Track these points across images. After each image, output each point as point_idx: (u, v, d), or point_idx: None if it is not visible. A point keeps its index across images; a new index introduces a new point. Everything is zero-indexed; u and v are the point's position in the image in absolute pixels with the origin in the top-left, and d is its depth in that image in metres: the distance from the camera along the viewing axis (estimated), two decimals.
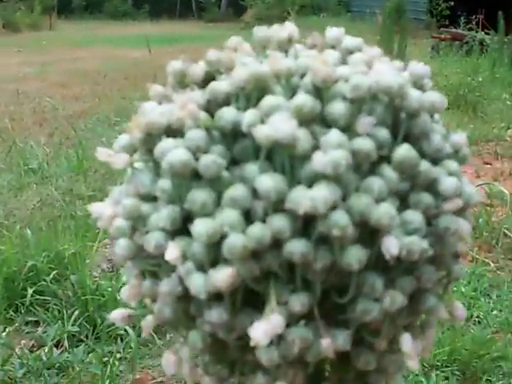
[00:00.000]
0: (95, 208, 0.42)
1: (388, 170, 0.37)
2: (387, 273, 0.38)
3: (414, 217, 0.37)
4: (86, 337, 2.57)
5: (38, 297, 2.77)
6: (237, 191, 0.37)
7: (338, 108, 0.37)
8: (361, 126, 0.37)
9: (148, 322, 0.41)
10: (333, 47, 0.42)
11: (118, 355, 2.36)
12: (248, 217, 0.37)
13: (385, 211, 0.36)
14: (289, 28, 0.41)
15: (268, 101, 0.37)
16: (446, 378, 2.13)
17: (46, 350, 2.30)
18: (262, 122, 0.37)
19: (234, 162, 0.39)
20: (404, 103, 0.38)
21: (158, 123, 0.39)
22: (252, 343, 0.36)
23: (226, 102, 0.39)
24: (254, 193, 0.36)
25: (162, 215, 0.38)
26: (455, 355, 2.19)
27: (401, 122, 0.39)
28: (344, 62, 0.41)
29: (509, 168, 3.93)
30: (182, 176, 0.37)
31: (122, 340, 2.50)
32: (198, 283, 0.37)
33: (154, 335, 2.57)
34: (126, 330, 2.54)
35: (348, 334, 0.38)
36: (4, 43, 11.37)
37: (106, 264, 3.12)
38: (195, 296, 0.38)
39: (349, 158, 0.36)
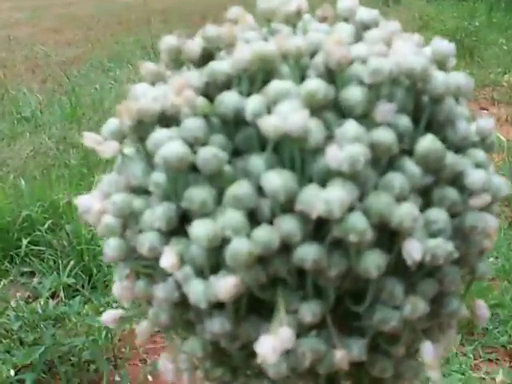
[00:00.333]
0: (82, 201, 0.37)
1: (410, 164, 0.33)
2: (408, 277, 0.34)
3: (439, 216, 0.33)
4: (82, 287, 2.56)
5: (32, 247, 2.76)
6: (240, 189, 0.32)
7: (354, 94, 0.33)
8: (380, 113, 0.33)
9: (143, 328, 0.37)
10: (346, 20, 0.38)
11: (114, 305, 2.36)
12: (253, 217, 0.33)
13: (407, 212, 0.32)
14: (296, 1, 0.36)
15: (275, 86, 0.33)
16: None
17: (42, 302, 2.29)
18: (269, 110, 0.33)
19: (236, 153, 0.34)
20: (427, 87, 0.34)
21: (150, 110, 0.34)
22: (259, 360, 0.32)
23: (227, 84, 0.35)
24: (260, 190, 0.32)
25: (157, 214, 0.34)
26: None
27: (423, 108, 0.34)
28: (359, 37, 0.37)
29: (505, 114, 3.90)
30: (178, 171, 0.33)
31: None
32: (197, 291, 0.33)
33: None
34: None
35: (363, 343, 0.35)
36: None
37: None
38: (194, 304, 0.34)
39: (367, 153, 0.31)
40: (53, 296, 2.44)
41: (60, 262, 2.62)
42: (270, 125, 0.31)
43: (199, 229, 0.32)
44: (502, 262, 2.50)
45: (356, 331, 0.35)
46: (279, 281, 0.33)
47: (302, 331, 0.34)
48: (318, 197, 0.31)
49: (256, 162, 0.33)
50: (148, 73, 0.38)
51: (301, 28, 0.37)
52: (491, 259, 2.57)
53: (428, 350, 0.35)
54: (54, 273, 2.60)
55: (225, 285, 0.32)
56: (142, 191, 0.36)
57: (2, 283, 2.58)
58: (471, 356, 2.01)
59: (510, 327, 2.14)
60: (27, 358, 1.79)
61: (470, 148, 0.36)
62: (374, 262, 0.32)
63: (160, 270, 0.35)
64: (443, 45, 0.36)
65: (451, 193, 0.34)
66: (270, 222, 0.32)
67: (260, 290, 0.33)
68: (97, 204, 0.37)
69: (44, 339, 1.97)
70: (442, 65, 0.36)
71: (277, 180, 0.31)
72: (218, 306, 0.34)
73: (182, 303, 0.35)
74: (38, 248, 2.73)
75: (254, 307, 0.35)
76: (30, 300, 2.44)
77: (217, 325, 0.34)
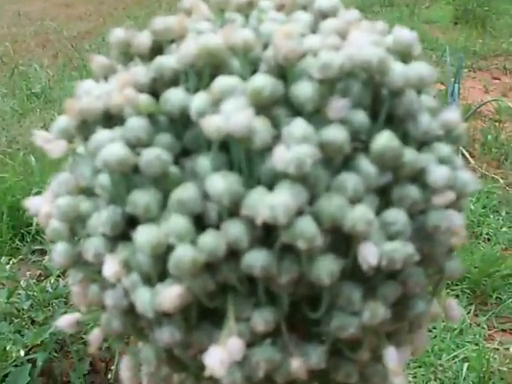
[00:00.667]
0: (31, 203, 0.36)
1: (365, 164, 0.31)
2: (366, 281, 0.32)
3: (398, 217, 0.31)
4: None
5: None
6: (185, 192, 0.31)
7: (304, 90, 0.31)
8: (333, 110, 0.31)
9: (95, 336, 0.36)
10: (304, 8, 0.36)
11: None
12: (200, 221, 0.31)
13: (360, 215, 0.30)
14: None
15: (220, 82, 0.31)
16: (457, 297, 2.13)
17: (52, 281, 2.29)
18: (214, 108, 0.31)
19: (185, 152, 0.33)
20: (385, 80, 0.32)
21: (93, 109, 0.32)
22: (207, 373, 0.30)
23: (174, 80, 0.33)
24: (207, 194, 0.31)
25: (102, 218, 0.32)
26: (465, 273, 2.19)
27: (382, 102, 0.32)
28: (316, 28, 0.35)
29: None
30: (121, 174, 0.31)
31: None
32: (144, 300, 0.32)
33: None
34: None
35: (322, 350, 0.33)
36: None
37: None
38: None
39: (316, 154, 0.29)
40: (64, 275, 2.45)
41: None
42: (212, 125, 0.30)
43: (143, 235, 0.31)
44: None
45: (315, 337, 0.33)
46: (229, 288, 0.32)
47: (255, 340, 0.32)
48: (262, 201, 0.29)
49: (203, 162, 0.31)
50: (99, 66, 0.36)
51: (255, 17, 0.35)
52: (504, 229, 2.55)
53: (391, 356, 0.33)
54: None
55: (169, 295, 0.30)
56: (90, 192, 0.34)
57: (11, 263, 2.59)
58: (485, 326, 2.01)
59: None
60: (38, 338, 1.79)
61: (433, 142, 0.34)
62: (326, 268, 0.30)
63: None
64: (404, 34, 0.33)
65: (412, 191, 0.32)
66: (217, 227, 0.31)
67: (209, 298, 0.32)
68: (45, 207, 0.35)
69: (55, 318, 1.96)
70: (403, 55, 0.34)
71: (221, 183, 0.30)
72: (167, 315, 0.32)
73: (132, 311, 0.33)
74: None
75: (206, 314, 0.33)
76: (42, 278, 2.44)
77: (166, 334, 0.32)
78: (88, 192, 0.34)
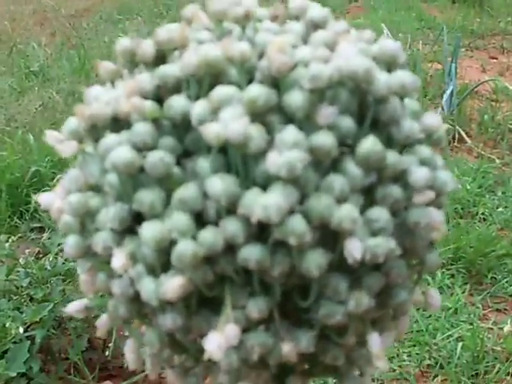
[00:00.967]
0: (44, 199, 0.39)
1: (351, 166, 0.34)
2: (352, 273, 0.35)
3: (381, 215, 0.34)
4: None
5: None
6: (187, 192, 0.34)
7: (295, 99, 0.34)
8: (322, 117, 0.34)
9: (103, 322, 0.39)
10: (296, 18, 0.38)
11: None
12: (200, 218, 0.34)
13: (346, 213, 0.33)
14: (246, 2, 0.37)
15: (219, 92, 0.34)
16: (452, 276, 2.16)
17: (51, 259, 2.31)
18: (213, 115, 0.34)
19: (186, 154, 0.35)
20: (371, 88, 0.35)
21: (102, 114, 0.35)
22: (206, 356, 0.34)
23: (177, 88, 0.36)
24: (207, 193, 0.34)
25: (110, 214, 0.35)
26: (460, 253, 2.21)
27: (368, 108, 0.35)
28: (308, 37, 0.37)
29: None
30: (128, 175, 0.34)
31: None
32: (148, 289, 0.35)
33: None
34: None
35: (312, 335, 0.36)
36: None
37: None
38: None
39: (306, 159, 0.32)
40: (62, 252, 2.47)
41: None
42: (211, 132, 0.33)
43: (148, 231, 0.34)
44: (510, 212, 2.52)
45: (305, 324, 0.37)
46: (227, 279, 0.35)
47: (250, 326, 0.35)
48: (256, 202, 0.32)
49: (203, 164, 0.34)
50: (106, 71, 0.39)
51: (251, 28, 0.38)
52: (500, 209, 2.58)
53: (375, 342, 0.37)
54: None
55: (172, 285, 0.33)
56: (99, 189, 0.37)
57: (11, 241, 2.61)
58: (479, 306, 2.03)
59: None
60: (37, 315, 1.81)
61: (415, 145, 0.37)
62: (315, 261, 0.33)
63: None
64: (389, 44, 0.36)
65: (394, 191, 0.35)
66: (216, 224, 0.34)
67: (208, 288, 0.35)
68: (57, 202, 0.38)
69: (53, 295, 1.99)
70: (388, 64, 0.36)
71: (219, 184, 0.33)
72: (169, 303, 0.35)
73: (137, 299, 0.36)
74: None
75: (205, 302, 0.36)
76: (40, 256, 2.46)
77: (169, 320, 0.36)
78: (97, 189, 0.37)
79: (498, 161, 2.94)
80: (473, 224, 2.48)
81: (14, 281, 2.19)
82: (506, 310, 2.06)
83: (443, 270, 2.18)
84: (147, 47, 0.37)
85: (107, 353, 1.82)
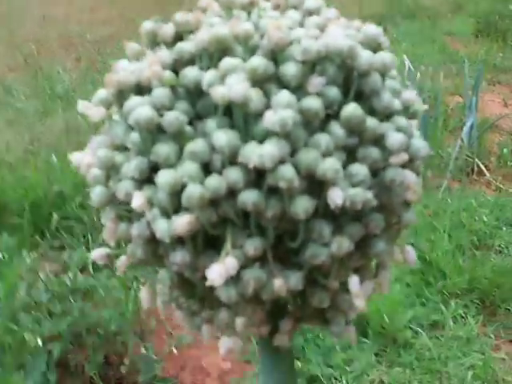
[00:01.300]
0: (75, 157, 0.45)
1: (336, 127, 0.40)
2: (335, 220, 0.41)
3: (360, 170, 0.41)
4: (111, 263, 2.63)
5: (63, 222, 2.83)
6: (197, 145, 0.40)
7: (290, 69, 0.40)
8: (311, 85, 0.40)
9: (122, 262, 0.46)
10: (295, 7, 0.45)
11: (142, 280, 2.43)
12: (207, 169, 0.40)
13: (330, 165, 0.39)
14: None
15: (226, 62, 0.40)
16: (465, 306, 2.18)
17: (71, 275, 2.36)
18: (221, 81, 0.40)
19: (198, 117, 0.42)
20: (355, 64, 0.41)
21: (127, 81, 0.42)
22: (208, 283, 0.40)
23: (191, 61, 0.42)
24: (213, 147, 0.40)
25: (132, 166, 0.42)
26: (475, 284, 2.24)
27: (352, 82, 0.42)
28: (303, 23, 0.44)
29: None
30: (147, 131, 0.41)
31: None
32: (162, 228, 0.41)
33: None
34: None
35: (300, 274, 0.42)
36: None
37: None
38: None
39: (296, 117, 0.39)
40: (82, 271, 2.52)
41: (90, 236, 2.70)
42: (218, 93, 0.39)
43: (163, 177, 0.40)
44: None
45: (295, 266, 0.43)
46: (228, 221, 0.41)
47: (247, 263, 0.41)
48: (254, 151, 0.38)
49: (210, 124, 0.41)
50: (132, 52, 0.46)
51: (256, 14, 0.44)
52: None
53: (354, 282, 0.43)
54: (83, 247, 2.68)
55: (181, 222, 0.40)
56: (123, 149, 0.44)
57: (32, 255, 2.67)
58: (492, 336, 2.04)
59: None
60: (55, 329, 1.85)
61: (394, 116, 0.43)
62: (302, 206, 0.40)
63: (135, 213, 0.43)
64: (371, 29, 0.43)
65: (373, 152, 0.42)
66: (220, 173, 0.40)
67: (212, 227, 0.41)
68: (86, 158, 0.45)
69: (72, 311, 2.04)
70: (371, 45, 0.43)
71: (223, 137, 0.39)
72: (179, 241, 0.42)
73: (153, 240, 0.43)
74: (68, 223, 2.81)
75: (210, 243, 0.42)
76: (60, 273, 2.51)
77: (179, 257, 0.42)
78: (121, 148, 0.44)
79: None
80: (488, 256, 2.49)
81: (34, 296, 2.25)
82: None
83: (457, 300, 2.21)
84: (167, 28, 0.44)
85: (123, 369, 1.86)
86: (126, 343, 1.91)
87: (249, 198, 0.40)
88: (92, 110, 0.44)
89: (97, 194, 0.44)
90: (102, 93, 0.45)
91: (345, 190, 0.40)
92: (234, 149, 0.39)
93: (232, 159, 0.40)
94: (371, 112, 0.42)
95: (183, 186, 0.40)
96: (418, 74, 3.93)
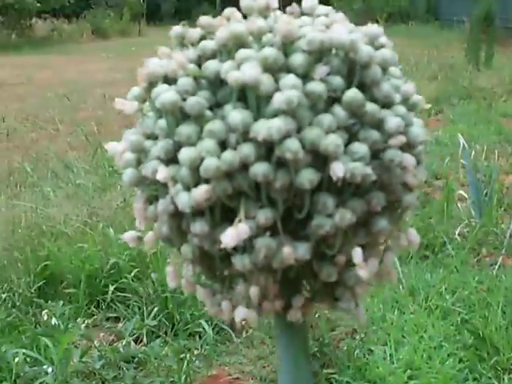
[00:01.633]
0: (111, 146, 0.51)
1: (338, 109, 0.46)
2: (339, 195, 0.46)
3: (360, 148, 0.45)
4: (165, 333, 2.67)
5: (118, 293, 2.89)
6: (215, 125, 0.45)
7: (297, 59, 0.46)
8: (316, 73, 0.45)
9: (149, 237, 0.51)
10: (307, 14, 0.51)
11: (196, 351, 2.46)
12: (224, 146, 0.45)
13: (332, 140, 0.44)
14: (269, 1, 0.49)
15: (241, 53, 0.46)
16: None
17: (124, 343, 2.40)
18: (237, 69, 0.46)
19: (218, 105, 0.47)
20: (357, 57, 0.46)
21: (156, 73, 0.48)
22: (222, 246, 0.45)
23: (213, 56, 0.48)
24: (229, 127, 0.45)
25: (158, 147, 0.47)
26: None
27: (355, 73, 0.47)
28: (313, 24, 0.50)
29: None
30: (172, 113, 0.46)
31: (199, 337, 2.60)
32: (183, 200, 0.46)
33: (232, 333, 2.67)
34: (204, 328, 2.65)
35: (308, 245, 0.47)
36: (94, 49, 11.71)
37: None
38: (183, 212, 0.47)
39: (301, 97, 0.44)
40: (136, 341, 2.57)
41: (144, 308, 2.75)
42: (233, 77, 0.45)
43: (185, 154, 0.45)
44: None
45: (303, 238, 0.47)
46: (242, 194, 0.46)
47: (259, 232, 0.46)
48: (263, 126, 0.44)
49: (227, 108, 0.46)
50: (162, 53, 0.52)
51: (272, 18, 0.50)
52: None
53: (358, 254, 0.47)
54: (137, 316, 2.73)
55: (200, 191, 0.45)
56: (153, 137, 0.49)
57: (86, 323, 2.72)
58: None
59: None
60: None
61: (394, 105, 0.48)
62: (307, 177, 0.45)
63: (161, 191, 0.48)
64: (373, 28, 0.48)
65: (374, 134, 0.46)
66: (235, 149, 0.45)
67: (228, 199, 0.46)
68: (121, 146, 0.50)
69: (125, 379, 2.08)
70: (373, 43, 0.48)
71: (238, 115, 0.44)
72: (199, 214, 0.47)
73: (176, 214, 0.48)
74: (123, 294, 2.87)
75: (226, 217, 0.47)
76: (114, 343, 2.56)
77: (198, 227, 0.47)
78: (151, 137, 0.50)
79: None
80: None
81: (88, 363, 2.29)
82: None
83: (510, 375, 2.20)
84: (194, 32, 0.50)
85: None
86: None
87: (259, 169, 0.44)
88: (126, 105, 0.50)
89: (128, 175, 0.49)
90: (135, 90, 0.51)
91: (346, 164, 0.45)
92: (247, 126, 0.44)
93: (245, 136, 0.45)
94: (372, 101, 0.47)
95: (202, 161, 0.45)
96: (473, 152, 3.97)
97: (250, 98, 0.45)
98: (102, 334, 2.70)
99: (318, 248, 0.48)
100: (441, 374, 2.03)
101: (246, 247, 0.46)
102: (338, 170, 0.44)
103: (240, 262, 0.47)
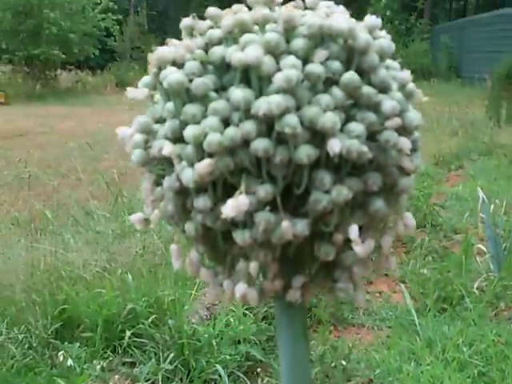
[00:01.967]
0: (121, 130, 0.54)
1: (336, 90, 0.48)
2: (337, 172, 0.48)
3: (357, 127, 0.48)
4: (181, 380, 2.67)
5: (135, 339, 2.90)
6: (218, 104, 0.48)
7: (298, 43, 0.48)
8: (316, 57, 0.48)
9: (155, 215, 0.53)
10: (311, 9, 0.54)
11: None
12: (227, 124, 0.48)
13: (329, 118, 0.46)
14: None
15: (245, 37, 0.49)
16: None
17: None
18: (241, 51, 0.48)
19: (223, 89, 0.50)
20: (355, 43, 0.49)
21: (165, 57, 0.51)
22: (223, 216, 0.47)
23: (219, 43, 0.51)
24: (232, 106, 0.48)
25: (166, 126, 0.50)
26: None
27: (354, 59, 0.49)
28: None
29: None
30: (178, 94, 0.49)
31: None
32: (187, 176, 0.48)
33: (247, 381, 2.67)
34: (220, 376, 2.65)
35: (306, 222, 0.49)
36: (117, 101, 11.85)
37: (203, 311, 3.24)
38: (187, 187, 0.49)
39: (300, 76, 0.47)
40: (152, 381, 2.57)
41: (161, 354, 2.76)
42: (237, 57, 0.47)
43: (190, 131, 0.48)
44: None
45: (301, 215, 0.49)
46: (244, 170, 0.48)
47: (259, 207, 0.48)
48: (263, 102, 0.46)
49: (232, 89, 0.49)
50: (172, 44, 0.55)
51: (277, 12, 0.53)
52: None
53: (354, 230, 0.49)
54: (153, 361, 2.73)
55: (203, 164, 0.47)
56: (161, 121, 0.52)
57: (101, 364, 2.72)
58: None
59: None
60: None
61: (390, 91, 0.50)
62: (305, 152, 0.47)
63: (168, 170, 0.51)
64: (371, 19, 0.51)
65: (370, 116, 0.49)
66: (237, 126, 0.48)
67: (230, 175, 0.48)
68: (131, 130, 0.53)
69: None
70: (370, 31, 0.51)
71: (240, 93, 0.47)
72: (202, 190, 0.49)
73: (181, 192, 0.50)
74: (140, 340, 2.88)
75: (228, 194, 0.49)
76: None
77: (201, 202, 0.49)
78: (160, 120, 0.52)
79: None
80: None
81: None
82: None
83: None
84: (203, 24, 0.53)
85: None
86: None
87: (260, 145, 0.47)
88: (136, 92, 0.53)
89: (136, 155, 0.52)
90: (146, 78, 0.54)
91: (342, 141, 0.47)
92: (249, 103, 0.47)
93: (247, 114, 0.47)
94: (370, 86, 0.49)
95: (206, 137, 0.47)
96: (492, 206, 3.98)
97: (253, 78, 0.48)
98: (117, 377, 2.71)
99: (317, 226, 0.50)
100: None
101: (246, 223, 0.48)
102: (334, 145, 0.46)
103: (240, 237, 0.48)
